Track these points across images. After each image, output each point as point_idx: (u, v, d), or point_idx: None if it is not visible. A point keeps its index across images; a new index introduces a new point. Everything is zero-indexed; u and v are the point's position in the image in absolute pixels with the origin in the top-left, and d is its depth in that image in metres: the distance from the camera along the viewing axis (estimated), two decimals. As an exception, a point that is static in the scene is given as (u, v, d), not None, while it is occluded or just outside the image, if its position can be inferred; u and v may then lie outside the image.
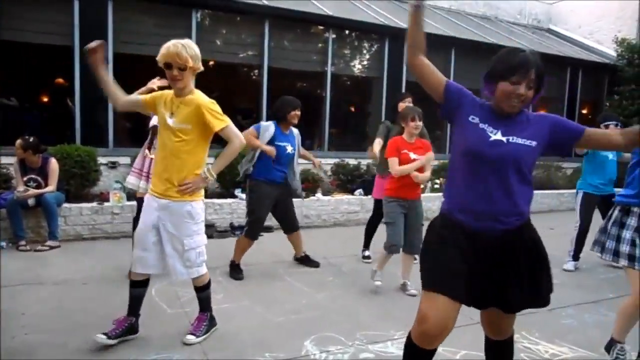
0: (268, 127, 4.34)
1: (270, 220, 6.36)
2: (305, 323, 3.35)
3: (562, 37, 12.79)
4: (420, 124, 3.91)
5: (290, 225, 4.71)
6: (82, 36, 6.22)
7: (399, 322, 3.41)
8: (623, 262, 2.72)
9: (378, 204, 4.78)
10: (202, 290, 3.10)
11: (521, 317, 3.57)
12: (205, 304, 3.13)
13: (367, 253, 5.11)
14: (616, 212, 2.80)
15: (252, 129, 4.34)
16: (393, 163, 3.87)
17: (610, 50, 11.39)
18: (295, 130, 4.58)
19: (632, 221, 2.70)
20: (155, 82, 3.50)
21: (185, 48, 2.67)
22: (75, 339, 2.94)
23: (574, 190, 9.10)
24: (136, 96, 3.03)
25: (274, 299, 3.82)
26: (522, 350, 3.06)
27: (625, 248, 2.69)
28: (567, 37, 12.71)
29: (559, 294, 4.17)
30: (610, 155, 4.89)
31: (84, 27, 6.26)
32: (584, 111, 11.61)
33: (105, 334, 2.81)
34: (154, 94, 2.93)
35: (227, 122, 2.83)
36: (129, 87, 2.87)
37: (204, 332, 3.03)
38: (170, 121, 2.78)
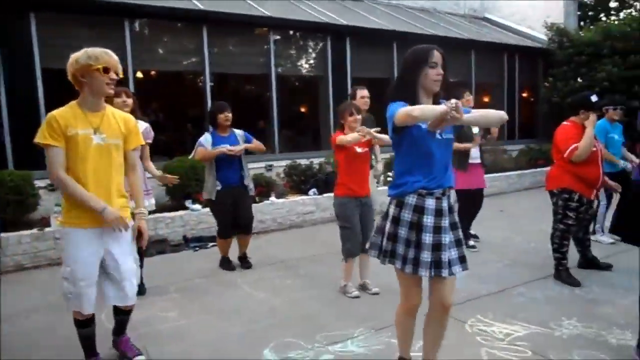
0: (207, 138, 4.58)
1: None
2: (264, 331, 3.29)
3: (498, 24, 13.23)
4: (359, 117, 3.91)
5: (245, 228, 4.76)
6: (3, 53, 5.91)
7: (357, 320, 3.41)
8: (398, 264, 2.30)
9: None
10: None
11: (475, 301, 3.68)
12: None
13: (471, 242, 5.26)
14: (392, 208, 2.34)
15: (199, 148, 4.55)
16: (342, 138, 3.72)
17: (542, 35, 11.90)
18: (237, 131, 4.70)
19: (406, 215, 2.27)
20: None
21: None
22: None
23: (520, 172, 9.62)
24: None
25: (231, 309, 3.73)
26: (478, 334, 3.12)
27: (403, 250, 2.28)
28: (502, 25, 13.16)
29: (510, 274, 4.33)
30: (616, 136, 5.13)
31: (4, 44, 5.93)
32: (524, 95, 12.07)
33: None
34: (54, 122, 2.48)
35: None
36: (63, 102, 2.67)
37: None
38: (98, 139, 2.57)
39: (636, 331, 2.74)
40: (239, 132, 4.70)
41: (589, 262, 4.40)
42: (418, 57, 2.26)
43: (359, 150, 3.87)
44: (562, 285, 3.99)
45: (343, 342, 3.07)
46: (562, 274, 4.06)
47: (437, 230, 2.23)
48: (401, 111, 2.11)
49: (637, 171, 2.85)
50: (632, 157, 5.23)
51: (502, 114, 2.28)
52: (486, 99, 11.80)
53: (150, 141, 4.04)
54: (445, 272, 2.23)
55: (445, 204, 2.27)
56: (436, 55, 2.24)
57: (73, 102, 2.61)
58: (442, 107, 2.06)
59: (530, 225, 6.17)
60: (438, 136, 2.23)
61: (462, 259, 2.32)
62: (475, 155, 5.07)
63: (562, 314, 3.37)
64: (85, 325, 2.71)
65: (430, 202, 2.23)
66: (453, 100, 2.04)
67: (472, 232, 5.38)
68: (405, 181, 2.27)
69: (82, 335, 2.73)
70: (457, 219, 2.37)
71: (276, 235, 6.35)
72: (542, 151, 10.37)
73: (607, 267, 4.33)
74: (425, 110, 2.07)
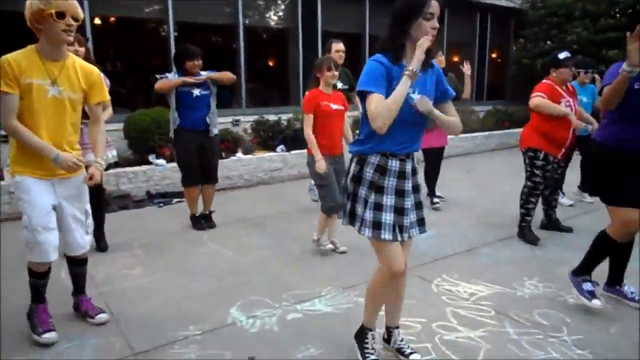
0: (174, 75, 4.45)
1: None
2: (230, 290, 3.25)
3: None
4: (337, 73, 3.76)
5: (208, 175, 4.60)
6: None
7: (324, 279, 3.41)
8: (357, 226, 2.18)
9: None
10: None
11: (441, 261, 3.74)
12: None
13: (435, 200, 5.34)
14: (353, 166, 2.20)
15: (162, 80, 4.41)
16: (307, 122, 3.68)
17: (515, -6, 11.78)
18: (203, 72, 4.47)
19: (367, 174, 2.13)
20: None
21: None
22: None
23: (487, 133, 9.73)
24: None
25: (196, 267, 3.66)
26: (443, 293, 3.17)
27: (361, 210, 2.15)
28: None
29: (476, 234, 4.41)
30: (585, 99, 5.00)
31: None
32: (494, 55, 12.07)
33: None
34: (7, 66, 2.30)
35: None
36: (14, 48, 2.44)
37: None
38: (55, 91, 2.42)
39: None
40: (204, 73, 4.47)
41: (551, 223, 4.53)
42: (412, 5, 1.96)
43: (334, 106, 3.74)
44: (525, 245, 4.09)
45: (310, 300, 3.07)
46: (524, 231, 4.18)
47: (400, 193, 2.14)
48: (368, 108, 1.96)
49: (598, 131, 2.92)
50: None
51: (458, 128, 2.22)
52: (456, 59, 11.74)
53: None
54: (405, 237, 2.16)
55: (409, 167, 2.16)
56: (433, 5, 1.93)
57: (31, 47, 2.40)
58: (404, 86, 1.93)
59: (496, 186, 6.29)
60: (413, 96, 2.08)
61: (421, 222, 2.24)
62: None
63: (524, 274, 3.46)
64: (41, 277, 2.62)
65: (393, 164, 2.11)
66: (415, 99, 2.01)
67: (437, 193, 5.42)
68: (370, 140, 2.10)
69: (34, 285, 2.65)
70: (419, 181, 2.29)
71: (243, 192, 6.26)
72: (509, 113, 10.50)
73: (568, 229, 4.47)
74: (384, 111, 1.92)
